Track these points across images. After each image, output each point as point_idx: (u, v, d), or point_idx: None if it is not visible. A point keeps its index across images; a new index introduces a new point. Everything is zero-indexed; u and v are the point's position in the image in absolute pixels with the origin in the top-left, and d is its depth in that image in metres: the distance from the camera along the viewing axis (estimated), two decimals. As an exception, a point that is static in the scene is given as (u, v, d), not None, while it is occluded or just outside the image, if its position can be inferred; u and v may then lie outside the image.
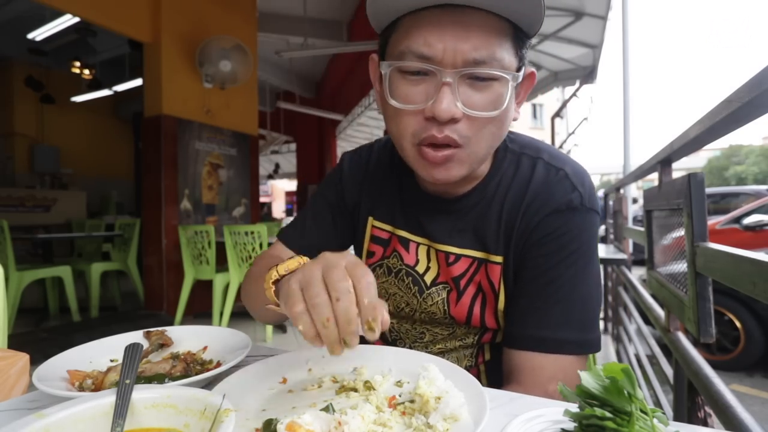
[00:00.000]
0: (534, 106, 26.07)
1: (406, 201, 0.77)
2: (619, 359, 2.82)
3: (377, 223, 0.80)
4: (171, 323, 2.88)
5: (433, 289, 0.73)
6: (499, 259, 0.69)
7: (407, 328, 0.78)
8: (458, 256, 0.71)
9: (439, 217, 0.73)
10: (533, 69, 0.66)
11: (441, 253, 0.73)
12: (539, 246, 0.66)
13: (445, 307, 0.72)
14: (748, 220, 4.10)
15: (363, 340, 0.87)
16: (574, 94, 6.99)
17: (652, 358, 1.75)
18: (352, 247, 0.87)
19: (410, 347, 0.78)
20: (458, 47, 0.55)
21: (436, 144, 0.59)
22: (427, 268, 0.75)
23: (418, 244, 0.75)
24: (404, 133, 0.62)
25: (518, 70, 0.60)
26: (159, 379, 0.55)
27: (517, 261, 0.68)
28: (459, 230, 0.72)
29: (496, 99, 0.58)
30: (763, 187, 7.18)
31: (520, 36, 0.59)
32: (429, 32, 0.56)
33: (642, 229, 1.69)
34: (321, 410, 0.43)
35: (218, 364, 0.59)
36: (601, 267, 2.03)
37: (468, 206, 0.71)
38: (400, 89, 0.60)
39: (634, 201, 6.28)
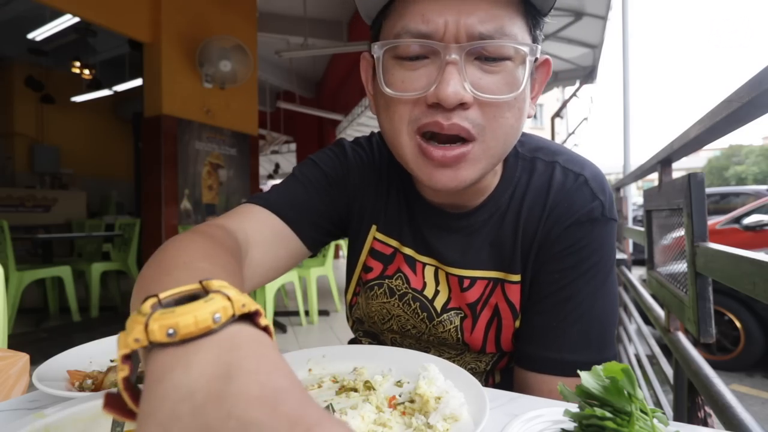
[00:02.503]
0: (534, 106, 26.02)
1: (411, 213, 0.67)
2: (619, 359, 2.81)
3: (380, 236, 0.69)
4: (171, 323, 2.87)
5: (445, 315, 0.65)
6: (516, 278, 0.62)
7: (411, 343, 0.72)
8: (473, 280, 0.64)
9: (447, 236, 0.65)
10: (548, 56, 0.57)
11: (453, 277, 0.65)
12: (556, 260, 0.60)
13: (459, 335, 0.65)
14: (748, 220, 4.10)
15: (357, 341, 0.86)
16: (574, 94, 6.98)
17: (652, 358, 1.75)
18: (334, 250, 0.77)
19: None
20: (462, 21, 0.47)
21: (442, 138, 0.50)
22: (437, 292, 0.66)
23: (425, 264, 0.67)
24: (399, 125, 0.52)
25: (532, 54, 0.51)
26: (159, 379, 0.55)
27: (532, 276, 0.62)
28: (472, 249, 0.64)
29: (511, 81, 0.49)
30: (763, 187, 7.18)
31: (531, 13, 0.51)
32: (427, 7, 0.48)
33: (642, 229, 1.69)
34: (321, 410, 0.43)
35: (218, 364, 0.59)
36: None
37: (480, 221, 0.63)
38: (396, 75, 0.50)
39: (635, 204, 6.30)
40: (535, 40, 0.52)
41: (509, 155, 0.64)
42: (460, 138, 0.50)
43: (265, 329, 0.25)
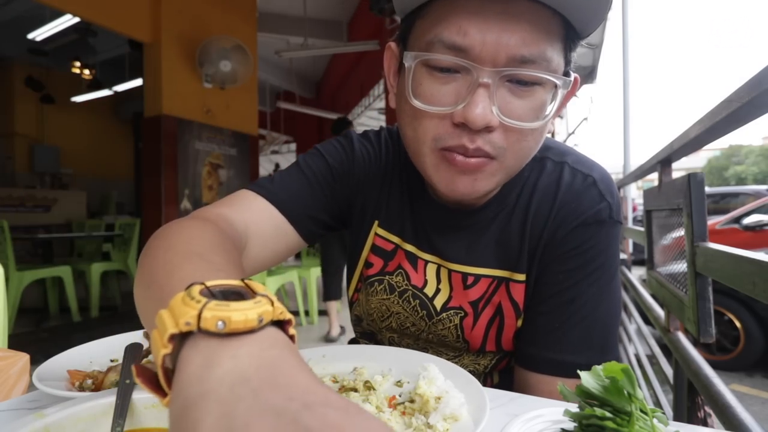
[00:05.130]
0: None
1: (415, 209, 0.67)
2: (619, 359, 2.80)
3: (381, 232, 0.69)
4: (171, 323, 2.87)
5: (444, 315, 0.65)
6: (522, 277, 0.62)
7: (409, 343, 0.71)
8: (477, 278, 0.63)
9: (453, 233, 0.64)
10: (576, 74, 0.55)
11: (456, 274, 0.64)
12: (562, 261, 0.60)
13: (459, 333, 0.65)
14: (748, 220, 4.10)
15: (356, 341, 0.86)
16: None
17: (652, 358, 1.75)
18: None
19: None
20: (502, 40, 0.45)
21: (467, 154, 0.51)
22: (437, 291, 0.66)
23: (427, 261, 0.66)
24: (423, 138, 0.52)
25: (566, 75, 0.51)
26: (159, 379, 0.55)
27: (537, 275, 0.62)
28: (479, 247, 0.64)
29: (538, 107, 0.50)
30: (763, 187, 7.18)
31: (570, 36, 0.50)
32: (466, 20, 0.46)
33: (642, 229, 1.69)
34: (321, 410, 0.43)
35: (218, 364, 0.59)
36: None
37: (487, 219, 0.63)
38: (425, 87, 0.50)
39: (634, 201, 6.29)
40: (568, 63, 0.51)
41: None
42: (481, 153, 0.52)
43: (291, 337, 0.27)
